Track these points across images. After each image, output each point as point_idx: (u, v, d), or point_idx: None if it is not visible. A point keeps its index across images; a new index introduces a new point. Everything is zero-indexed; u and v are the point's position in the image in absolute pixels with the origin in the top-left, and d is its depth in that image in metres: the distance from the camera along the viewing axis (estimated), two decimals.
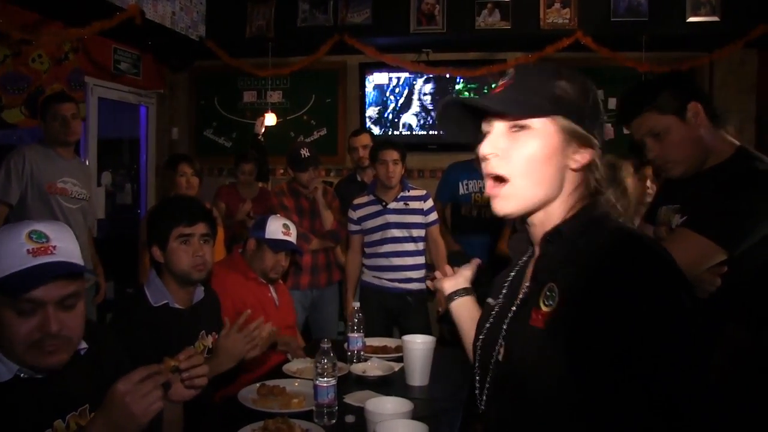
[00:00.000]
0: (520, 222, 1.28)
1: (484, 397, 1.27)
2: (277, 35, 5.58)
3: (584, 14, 5.20)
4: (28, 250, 1.46)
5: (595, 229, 1.16)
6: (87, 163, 5.19)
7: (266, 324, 2.54)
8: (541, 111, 1.16)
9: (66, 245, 1.53)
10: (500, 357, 1.23)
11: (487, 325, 1.32)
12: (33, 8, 4.33)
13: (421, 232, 4.18)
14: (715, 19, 5.06)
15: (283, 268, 3.18)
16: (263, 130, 5.69)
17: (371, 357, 2.91)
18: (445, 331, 4.86)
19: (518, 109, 1.16)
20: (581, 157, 1.19)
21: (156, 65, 6.09)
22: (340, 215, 4.41)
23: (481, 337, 1.33)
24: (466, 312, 1.73)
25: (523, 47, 5.46)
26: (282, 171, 6.09)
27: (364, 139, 4.67)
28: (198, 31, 5.51)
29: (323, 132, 6.11)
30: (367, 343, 3.06)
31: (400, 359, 2.76)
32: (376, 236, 4.16)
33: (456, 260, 4.30)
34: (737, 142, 2.04)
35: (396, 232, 4.13)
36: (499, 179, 1.18)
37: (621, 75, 5.43)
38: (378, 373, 2.70)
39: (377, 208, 4.17)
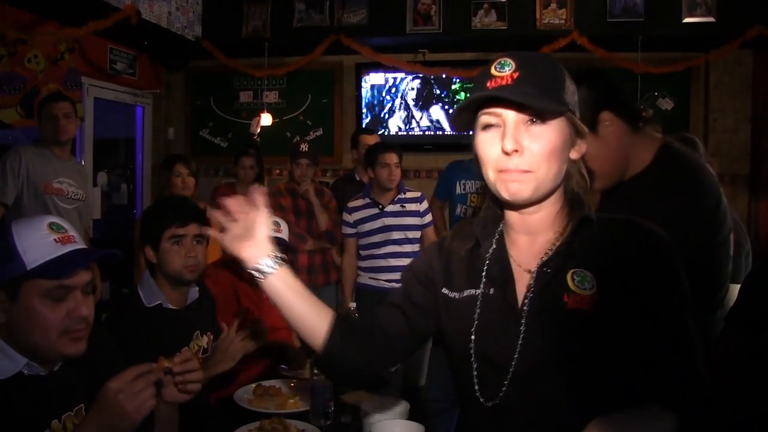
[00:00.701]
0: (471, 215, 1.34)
1: (503, 390, 1.25)
2: (273, 35, 5.58)
3: (580, 15, 5.21)
4: (54, 239, 1.52)
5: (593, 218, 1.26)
6: (83, 163, 5.19)
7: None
8: (565, 107, 1.21)
9: (78, 235, 1.60)
10: (528, 343, 1.23)
11: (476, 316, 1.30)
12: (28, 8, 4.32)
13: (417, 234, 4.19)
14: (711, 19, 5.08)
15: None
16: (259, 130, 5.69)
17: None
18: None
19: (550, 105, 1.19)
20: (580, 147, 1.28)
21: (152, 65, 6.08)
22: (336, 216, 4.41)
23: (473, 329, 1.30)
24: (288, 288, 1.37)
25: (520, 47, 5.36)
26: (278, 171, 6.10)
27: (375, 138, 4.68)
28: (194, 31, 5.50)
29: (319, 132, 6.11)
30: None
31: None
32: (374, 239, 4.16)
33: None
34: (658, 141, 1.89)
35: (395, 235, 4.14)
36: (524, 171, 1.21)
37: (617, 75, 5.43)
38: None
39: (374, 210, 4.16)
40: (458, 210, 4.56)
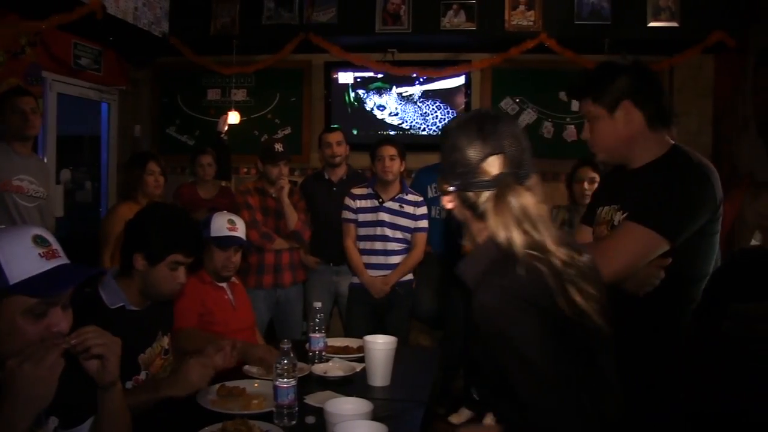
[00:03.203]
0: None
1: None
2: (242, 33, 5.54)
3: (548, 17, 5.25)
4: (39, 254, 1.50)
5: None
6: (45, 160, 5.10)
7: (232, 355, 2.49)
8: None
9: (60, 248, 1.58)
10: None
11: None
12: None
13: (408, 236, 4.28)
14: (675, 24, 5.16)
15: (235, 265, 3.07)
16: (227, 128, 5.64)
17: (333, 357, 2.90)
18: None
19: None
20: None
21: (118, 61, 5.99)
22: (305, 215, 4.40)
23: None
24: None
25: (488, 48, 5.49)
26: (245, 170, 6.06)
27: (337, 136, 4.64)
28: (161, 27, 5.43)
29: (287, 131, 6.06)
30: (329, 344, 3.05)
31: (362, 359, 2.75)
32: (368, 231, 4.26)
33: (426, 261, 4.37)
34: (672, 142, 2.08)
35: (387, 231, 4.21)
36: None
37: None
38: (339, 373, 2.69)
39: (374, 203, 4.26)
40: (433, 212, 4.58)
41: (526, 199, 1.47)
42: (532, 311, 1.35)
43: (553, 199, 4.84)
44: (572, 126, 5.79)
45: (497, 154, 1.50)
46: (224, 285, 3.13)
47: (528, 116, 5.84)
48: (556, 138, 5.81)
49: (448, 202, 1.61)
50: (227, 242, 3.02)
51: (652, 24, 5.18)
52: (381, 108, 5.90)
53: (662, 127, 2.05)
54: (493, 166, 1.50)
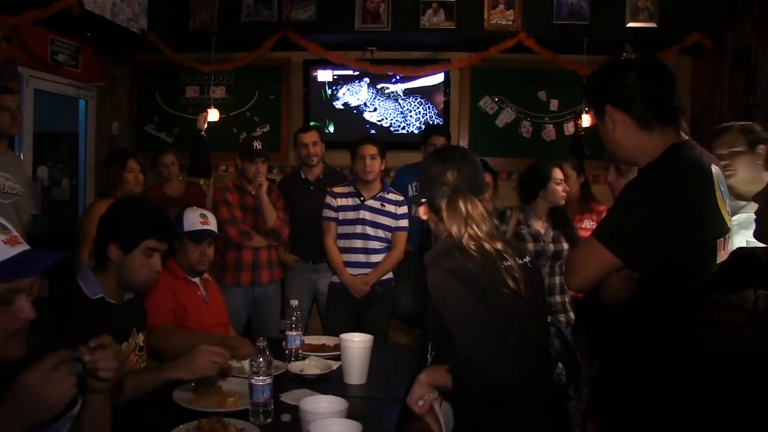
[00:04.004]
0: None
1: None
2: (221, 30, 5.51)
3: (528, 16, 5.28)
4: (2, 240, 1.48)
5: None
6: (22, 156, 5.04)
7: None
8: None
9: (19, 235, 1.56)
10: None
11: None
12: None
13: (388, 235, 4.27)
14: (653, 25, 5.21)
15: (209, 259, 3.09)
16: (205, 125, 5.61)
17: (309, 355, 2.90)
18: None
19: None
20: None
21: (96, 57, 5.93)
22: (283, 213, 4.40)
23: None
24: None
25: (467, 47, 5.51)
26: (224, 167, 6.03)
27: (313, 136, 4.62)
28: (139, 23, 5.38)
29: (266, 129, 6.05)
30: (306, 342, 3.05)
31: (338, 358, 2.75)
32: (348, 229, 4.24)
33: (406, 260, 4.37)
34: (675, 140, 1.95)
35: (368, 230, 4.21)
36: None
37: (562, 77, 5.54)
38: (316, 371, 2.69)
39: (355, 201, 4.25)
40: (413, 211, 4.58)
41: (474, 205, 2.02)
42: (461, 283, 1.89)
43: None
44: (551, 125, 5.83)
45: (453, 169, 2.05)
46: (197, 281, 3.12)
47: (507, 115, 5.86)
48: (534, 137, 5.84)
49: (423, 214, 2.14)
50: (201, 235, 3.02)
51: (630, 24, 5.23)
52: (362, 108, 5.90)
53: (659, 124, 1.94)
54: (451, 178, 2.05)
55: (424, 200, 2.11)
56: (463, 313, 1.89)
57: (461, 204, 2.00)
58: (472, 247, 1.95)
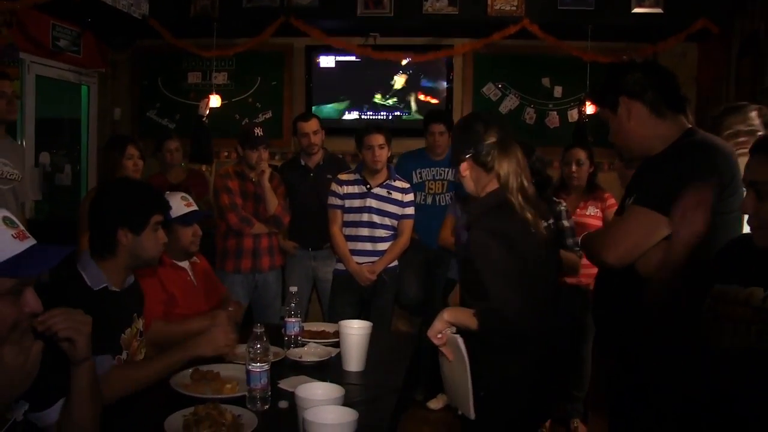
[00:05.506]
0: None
1: None
2: (222, 15, 5.46)
3: (531, 2, 5.22)
4: (12, 235, 1.49)
5: None
6: (24, 143, 5.04)
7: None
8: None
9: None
10: None
11: None
12: None
13: (394, 223, 4.24)
14: (659, 11, 5.14)
15: (199, 236, 3.13)
16: (207, 111, 5.59)
17: (308, 342, 2.88)
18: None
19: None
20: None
21: (97, 43, 5.91)
22: (284, 200, 4.38)
23: None
24: None
25: (470, 33, 5.46)
26: (226, 154, 6.01)
27: (313, 125, 4.59)
28: (141, 9, 5.34)
29: (268, 115, 6.03)
30: (306, 328, 3.04)
31: (338, 344, 2.73)
32: (355, 217, 4.21)
33: (412, 246, 4.36)
34: (688, 126, 2.15)
35: (375, 217, 4.17)
36: None
37: (566, 64, 5.50)
38: (314, 358, 2.68)
39: (362, 189, 4.21)
40: (418, 198, 4.56)
41: (519, 153, 2.29)
42: (502, 241, 2.14)
43: None
44: (554, 112, 5.79)
45: (495, 127, 2.30)
46: (185, 265, 3.13)
47: (510, 102, 5.83)
48: (538, 124, 5.81)
49: (464, 170, 2.32)
50: (190, 218, 3.06)
51: (636, 10, 5.17)
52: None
53: (671, 111, 2.14)
54: (493, 134, 2.27)
55: (468, 155, 2.29)
56: (496, 267, 2.14)
57: (515, 151, 2.27)
58: (517, 204, 2.21)
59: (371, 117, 5.86)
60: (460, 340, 2.16)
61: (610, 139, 2.32)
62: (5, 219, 1.51)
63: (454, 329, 2.21)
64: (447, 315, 2.22)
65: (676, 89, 2.19)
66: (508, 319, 2.10)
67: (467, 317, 2.17)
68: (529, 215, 2.21)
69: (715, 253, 1.90)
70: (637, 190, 2.11)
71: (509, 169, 2.24)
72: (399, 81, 5.87)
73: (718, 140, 2.16)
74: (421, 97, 5.88)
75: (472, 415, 2.18)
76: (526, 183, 2.27)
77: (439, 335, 2.22)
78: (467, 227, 2.31)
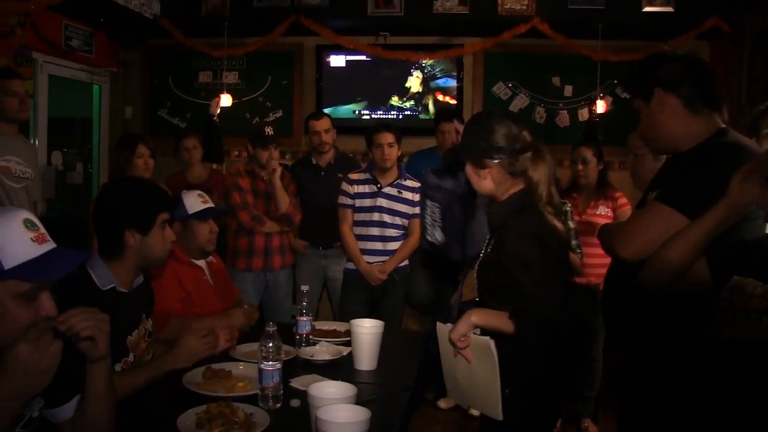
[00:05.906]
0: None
1: None
2: (233, 15, 5.48)
3: (542, 1, 5.22)
4: (31, 238, 1.49)
5: None
6: (36, 142, 5.07)
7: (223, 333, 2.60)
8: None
9: (46, 232, 1.57)
10: None
11: None
12: None
13: (405, 222, 4.23)
14: (670, 9, 5.13)
15: (216, 233, 3.12)
16: (218, 111, 5.60)
17: (320, 341, 2.89)
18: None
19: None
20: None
21: (109, 43, 5.94)
22: (295, 199, 4.39)
23: None
24: None
25: (481, 32, 5.45)
26: (237, 153, 6.03)
27: (325, 123, 4.59)
28: (152, 9, 5.37)
29: (279, 114, 6.05)
30: (317, 327, 3.04)
31: (349, 343, 2.74)
32: (365, 216, 4.21)
33: (422, 245, 4.34)
34: (721, 125, 2.10)
35: (386, 217, 4.17)
36: None
37: (577, 63, 5.48)
38: (326, 357, 2.69)
39: (372, 188, 4.21)
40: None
41: (550, 160, 2.24)
42: (537, 243, 2.11)
43: None
44: (564, 111, 5.78)
45: (525, 128, 2.25)
46: (202, 264, 3.12)
47: (520, 101, 5.82)
48: (548, 123, 5.80)
49: (486, 175, 2.24)
50: (207, 214, 3.05)
51: (647, 9, 5.16)
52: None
53: (706, 108, 2.09)
54: (528, 137, 2.24)
55: (496, 161, 2.21)
56: (533, 268, 2.09)
57: (547, 157, 2.24)
58: (542, 206, 2.19)
59: (384, 117, 5.87)
60: (491, 343, 2.10)
61: (639, 132, 2.30)
62: (26, 221, 1.51)
63: (478, 331, 2.15)
64: (475, 318, 2.13)
65: (714, 86, 2.12)
66: (548, 319, 2.08)
67: (500, 320, 2.11)
68: (552, 216, 2.20)
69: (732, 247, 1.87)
70: (662, 186, 2.09)
71: (541, 175, 2.20)
72: (415, 82, 5.86)
73: (748, 142, 2.10)
74: (440, 97, 5.86)
75: (500, 417, 2.14)
76: (553, 188, 2.24)
77: (463, 338, 2.15)
78: (490, 230, 2.29)
